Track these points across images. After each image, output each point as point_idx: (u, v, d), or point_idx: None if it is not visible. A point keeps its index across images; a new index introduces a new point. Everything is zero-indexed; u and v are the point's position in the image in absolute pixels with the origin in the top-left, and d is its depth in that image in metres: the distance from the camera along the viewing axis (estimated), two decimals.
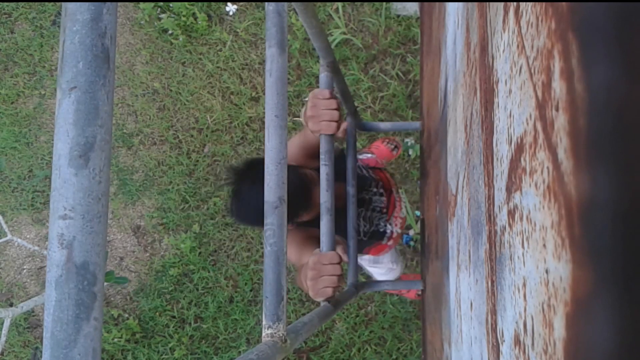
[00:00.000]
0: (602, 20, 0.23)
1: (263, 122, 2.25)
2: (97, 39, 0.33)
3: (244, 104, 2.32)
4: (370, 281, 1.50)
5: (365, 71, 2.23)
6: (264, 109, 2.22)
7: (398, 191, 1.65)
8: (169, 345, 2.27)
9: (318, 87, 1.14)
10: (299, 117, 2.32)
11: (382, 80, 2.21)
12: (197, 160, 2.37)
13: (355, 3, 2.25)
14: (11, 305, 2.40)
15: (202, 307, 2.28)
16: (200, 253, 2.30)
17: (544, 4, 0.32)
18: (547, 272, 0.31)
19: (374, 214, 1.56)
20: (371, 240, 1.57)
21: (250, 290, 2.25)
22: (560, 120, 0.28)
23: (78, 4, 0.33)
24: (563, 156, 0.28)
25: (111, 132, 0.34)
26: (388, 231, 1.60)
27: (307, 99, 1.22)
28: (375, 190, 1.56)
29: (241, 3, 2.37)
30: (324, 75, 1.12)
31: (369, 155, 1.94)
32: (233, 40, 2.36)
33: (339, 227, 1.39)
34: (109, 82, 0.34)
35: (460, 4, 0.73)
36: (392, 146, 2.15)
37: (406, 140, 2.18)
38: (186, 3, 2.35)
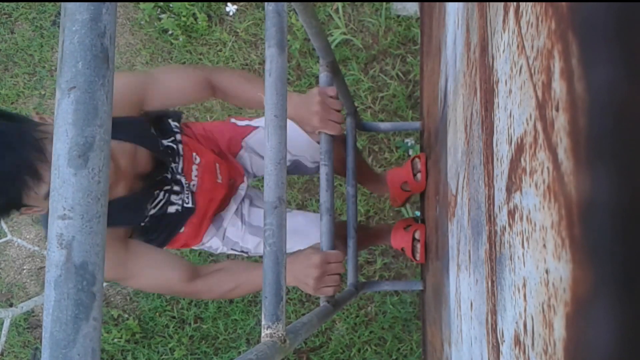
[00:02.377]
0: (602, 20, 0.23)
1: None
2: (96, 39, 0.33)
3: None
4: (370, 281, 1.50)
5: (365, 71, 2.23)
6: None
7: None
8: (169, 346, 2.27)
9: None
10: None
11: (382, 80, 2.21)
12: None
13: (355, 3, 2.25)
14: (11, 305, 2.40)
15: (202, 308, 2.28)
16: (200, 253, 2.30)
17: (544, 4, 0.31)
18: (547, 272, 0.31)
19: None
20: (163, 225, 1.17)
21: None
22: (561, 121, 0.28)
23: (77, 4, 0.33)
24: (563, 156, 0.28)
25: (110, 132, 0.34)
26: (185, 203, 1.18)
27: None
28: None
29: (241, 3, 2.37)
30: (323, 75, 1.12)
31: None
32: (233, 41, 2.36)
33: (127, 219, 1.05)
34: (108, 82, 0.34)
35: (460, 4, 0.73)
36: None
37: (406, 140, 2.18)
38: (186, 3, 2.35)
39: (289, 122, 1.05)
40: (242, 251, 1.39)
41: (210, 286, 1.12)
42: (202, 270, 1.14)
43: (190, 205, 1.19)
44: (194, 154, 1.21)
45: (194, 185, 1.20)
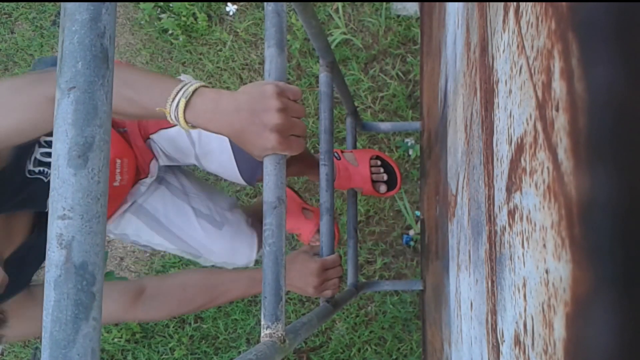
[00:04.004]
0: (602, 20, 0.23)
1: None
2: (96, 39, 0.33)
3: None
4: (370, 281, 1.50)
5: (365, 71, 2.23)
6: None
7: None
8: (169, 345, 2.27)
9: (318, 87, 1.14)
10: None
11: (382, 80, 2.21)
12: None
13: (355, 3, 2.25)
14: None
15: None
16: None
17: (544, 4, 0.31)
18: (547, 272, 0.31)
19: None
20: None
21: None
22: (560, 121, 0.28)
23: (77, 4, 0.33)
24: (563, 156, 0.28)
25: (110, 132, 0.34)
26: None
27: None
28: None
29: (241, 3, 2.37)
30: (323, 75, 1.12)
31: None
32: (233, 41, 2.36)
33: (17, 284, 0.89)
34: (108, 82, 0.34)
35: (460, 4, 0.73)
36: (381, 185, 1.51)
37: (406, 140, 2.18)
38: (186, 3, 2.35)
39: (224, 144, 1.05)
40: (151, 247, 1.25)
41: (171, 307, 1.06)
42: (150, 285, 1.05)
43: None
44: None
45: None
